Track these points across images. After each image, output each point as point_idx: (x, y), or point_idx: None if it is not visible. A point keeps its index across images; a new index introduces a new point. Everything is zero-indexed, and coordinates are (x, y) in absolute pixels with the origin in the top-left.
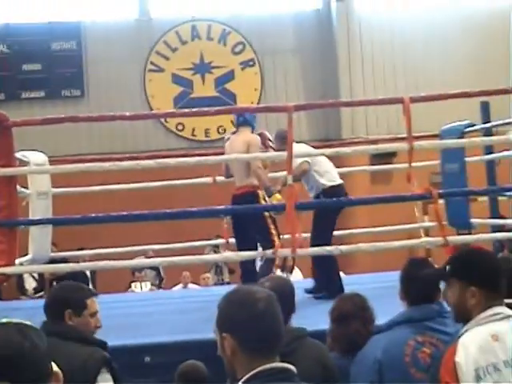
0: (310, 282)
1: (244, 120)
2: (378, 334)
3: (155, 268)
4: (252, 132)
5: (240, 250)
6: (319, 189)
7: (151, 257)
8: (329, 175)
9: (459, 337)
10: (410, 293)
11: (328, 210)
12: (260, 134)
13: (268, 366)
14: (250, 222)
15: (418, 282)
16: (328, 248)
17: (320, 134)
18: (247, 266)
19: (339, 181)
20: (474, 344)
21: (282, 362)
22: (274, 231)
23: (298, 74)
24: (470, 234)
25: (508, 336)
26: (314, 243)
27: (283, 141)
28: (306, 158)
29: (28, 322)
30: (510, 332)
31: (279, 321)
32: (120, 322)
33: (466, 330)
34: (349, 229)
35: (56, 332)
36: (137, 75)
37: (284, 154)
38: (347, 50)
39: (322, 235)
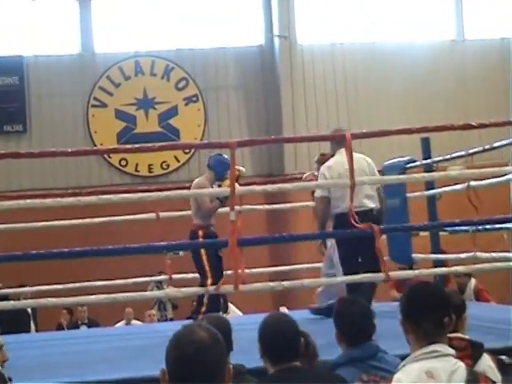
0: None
1: (208, 165)
2: None
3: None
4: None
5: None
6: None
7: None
8: None
9: (395, 372)
10: (346, 333)
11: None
12: None
13: None
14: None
15: (352, 321)
16: (271, 284)
17: (263, 170)
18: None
19: None
20: (408, 380)
21: None
22: (208, 268)
23: (242, 110)
24: (411, 269)
25: (442, 374)
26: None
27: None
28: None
29: None
30: (444, 370)
31: (211, 363)
32: (58, 359)
33: (403, 366)
34: (293, 264)
35: None
36: (80, 110)
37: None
38: (290, 85)
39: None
